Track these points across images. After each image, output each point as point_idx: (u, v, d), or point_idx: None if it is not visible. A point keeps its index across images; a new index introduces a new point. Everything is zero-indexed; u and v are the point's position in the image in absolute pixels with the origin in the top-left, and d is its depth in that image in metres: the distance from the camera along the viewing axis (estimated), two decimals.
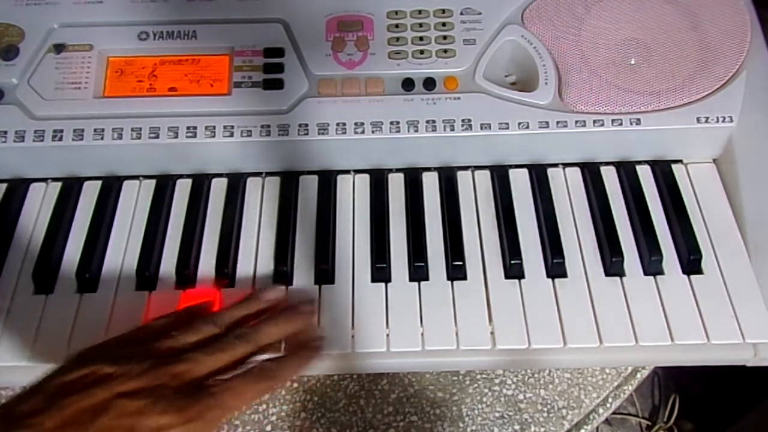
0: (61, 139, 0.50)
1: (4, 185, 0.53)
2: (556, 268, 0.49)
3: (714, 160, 0.54)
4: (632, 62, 0.53)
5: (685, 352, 0.46)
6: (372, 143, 0.51)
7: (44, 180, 0.54)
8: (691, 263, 0.49)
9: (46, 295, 0.48)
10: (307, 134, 0.51)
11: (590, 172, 0.54)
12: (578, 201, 0.52)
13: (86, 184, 0.53)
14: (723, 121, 0.51)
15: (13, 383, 0.48)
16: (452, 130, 0.51)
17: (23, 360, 0.45)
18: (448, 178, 0.53)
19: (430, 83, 0.52)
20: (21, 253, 0.50)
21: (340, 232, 0.51)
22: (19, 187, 0.53)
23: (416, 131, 0.51)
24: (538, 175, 0.53)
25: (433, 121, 0.51)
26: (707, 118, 0.51)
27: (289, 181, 0.53)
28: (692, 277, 0.48)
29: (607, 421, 1.12)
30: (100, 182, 0.53)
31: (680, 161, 0.54)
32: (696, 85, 0.52)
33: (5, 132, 0.50)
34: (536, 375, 0.51)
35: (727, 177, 0.53)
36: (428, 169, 0.54)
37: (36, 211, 0.52)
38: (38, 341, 0.46)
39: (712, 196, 0.52)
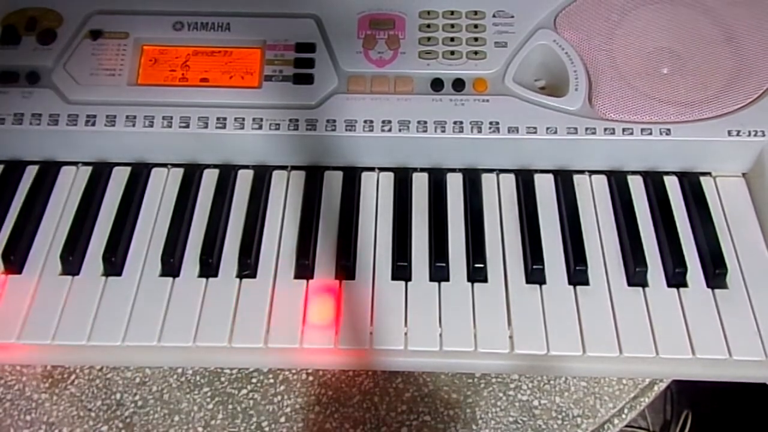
0: (93, 124, 0.51)
1: (36, 167, 0.54)
2: (578, 275, 0.48)
3: (743, 174, 0.54)
4: (664, 72, 0.52)
5: (705, 366, 0.46)
6: (398, 142, 0.52)
7: (75, 164, 0.55)
8: (716, 277, 0.48)
9: (72, 277, 0.49)
10: (334, 130, 0.51)
11: (617, 180, 0.53)
12: (603, 209, 0.52)
13: (116, 169, 0.54)
14: (755, 135, 0.51)
15: (35, 361, 0.49)
16: (479, 132, 0.51)
17: (47, 339, 0.46)
18: (472, 180, 0.53)
19: (459, 84, 0.52)
20: (50, 234, 0.51)
21: (362, 229, 0.51)
22: (50, 170, 0.54)
23: (443, 132, 0.51)
24: (564, 181, 0.53)
25: (461, 123, 0.51)
26: (738, 131, 0.51)
27: (314, 176, 0.54)
28: (716, 291, 0.48)
29: None
30: (129, 168, 0.54)
31: (709, 174, 0.54)
32: (728, 97, 0.52)
33: (39, 115, 0.52)
34: (552, 382, 0.51)
35: (757, 192, 0.52)
36: (453, 170, 0.54)
37: (66, 194, 0.53)
38: (62, 321, 0.47)
39: (741, 210, 0.52)
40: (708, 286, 0.48)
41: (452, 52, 0.53)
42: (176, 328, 0.46)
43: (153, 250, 0.50)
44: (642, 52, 0.53)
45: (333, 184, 0.53)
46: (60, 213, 0.52)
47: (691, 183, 0.53)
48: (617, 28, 0.54)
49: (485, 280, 0.48)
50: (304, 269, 0.49)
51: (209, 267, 0.49)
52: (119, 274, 0.49)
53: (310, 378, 0.50)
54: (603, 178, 0.54)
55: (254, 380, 0.50)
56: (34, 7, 0.55)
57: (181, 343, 0.46)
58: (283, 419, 0.49)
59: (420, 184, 0.54)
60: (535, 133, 0.51)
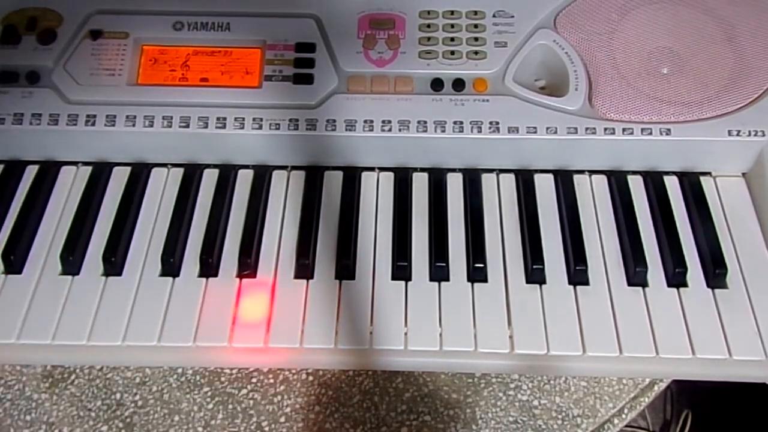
0: (93, 124, 0.51)
1: (36, 167, 0.54)
2: (578, 275, 0.48)
3: (743, 174, 0.54)
4: (664, 71, 0.52)
5: (705, 366, 0.46)
6: (398, 141, 0.52)
7: (75, 164, 0.55)
8: (716, 277, 0.48)
9: (72, 277, 0.49)
10: (334, 130, 0.51)
11: (617, 180, 0.53)
12: (603, 209, 0.52)
13: (116, 169, 0.54)
14: (755, 135, 0.51)
15: (35, 361, 0.49)
16: (479, 132, 0.51)
17: (47, 339, 0.46)
18: (472, 180, 0.53)
19: (459, 84, 0.52)
20: (50, 234, 0.51)
21: (362, 229, 0.51)
22: (50, 170, 0.54)
23: (443, 132, 0.51)
24: (564, 181, 0.53)
25: (461, 122, 0.51)
26: (738, 131, 0.51)
27: (314, 176, 0.54)
28: (716, 291, 0.48)
29: None
30: (129, 168, 0.54)
31: (709, 173, 0.54)
32: (728, 97, 0.52)
33: (39, 115, 0.52)
34: (552, 382, 0.51)
35: (757, 192, 0.52)
36: (453, 170, 0.54)
37: (66, 194, 0.53)
38: (62, 321, 0.47)
39: (740, 210, 0.52)
40: (708, 286, 0.48)
41: (452, 52, 0.53)
42: (176, 328, 0.46)
43: (153, 250, 0.50)
44: (642, 52, 0.53)
45: (333, 184, 0.53)
46: (60, 213, 0.52)
47: (691, 183, 0.53)
48: (617, 28, 0.54)
49: (485, 280, 0.48)
50: (304, 269, 0.49)
51: (209, 267, 0.49)
52: (119, 274, 0.49)
53: (310, 378, 0.50)
54: (603, 178, 0.54)
55: (254, 380, 0.50)
56: (34, 7, 0.55)
57: (181, 343, 0.46)
58: (283, 419, 0.49)
59: (420, 184, 0.54)
60: (535, 133, 0.51)
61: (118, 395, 0.49)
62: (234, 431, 0.48)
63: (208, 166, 0.54)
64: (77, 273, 0.49)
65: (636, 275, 0.48)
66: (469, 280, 0.48)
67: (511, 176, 0.54)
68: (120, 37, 0.54)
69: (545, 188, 0.53)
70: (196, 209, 0.52)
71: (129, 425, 0.48)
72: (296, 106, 0.52)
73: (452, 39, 0.53)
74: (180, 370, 0.50)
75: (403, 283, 0.48)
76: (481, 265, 0.49)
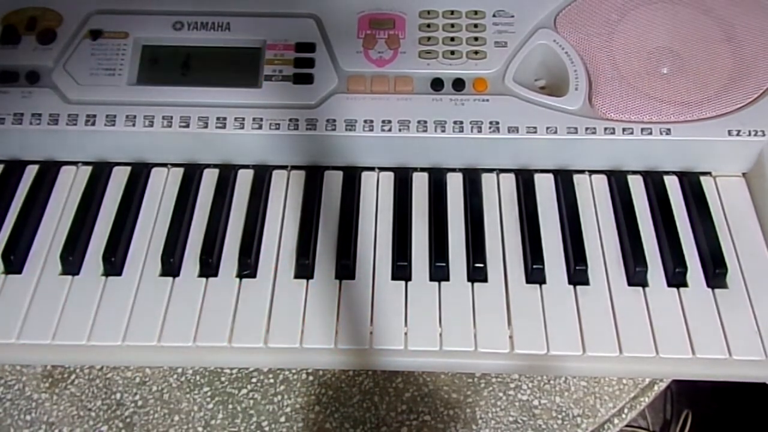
0: (93, 123, 0.51)
1: (36, 167, 0.54)
2: (578, 275, 0.48)
3: (743, 174, 0.54)
4: (664, 71, 0.52)
5: (705, 366, 0.46)
6: (398, 141, 0.52)
7: (75, 163, 0.55)
8: (716, 277, 0.48)
9: (72, 276, 0.49)
10: (334, 130, 0.51)
11: (617, 180, 0.53)
12: (603, 209, 0.52)
13: (116, 169, 0.54)
14: (755, 135, 0.51)
15: (35, 361, 0.49)
16: (479, 131, 0.51)
17: (47, 339, 0.46)
18: (472, 180, 0.53)
19: (459, 84, 0.52)
20: (50, 234, 0.51)
21: (362, 229, 0.51)
22: (50, 169, 0.54)
23: (443, 131, 0.51)
24: (564, 180, 0.53)
25: (461, 122, 0.51)
26: (739, 131, 0.51)
27: (314, 176, 0.54)
28: (716, 290, 0.48)
29: None
30: (129, 168, 0.54)
31: (709, 173, 0.54)
32: (728, 97, 0.52)
33: (39, 114, 0.52)
34: (552, 381, 0.51)
35: (757, 191, 0.52)
36: (453, 170, 0.54)
37: (66, 194, 0.53)
38: (62, 321, 0.47)
39: (741, 210, 0.52)
40: (708, 286, 0.48)
41: (452, 52, 0.53)
42: (176, 328, 0.46)
43: (153, 250, 0.50)
44: (642, 52, 0.53)
45: (333, 184, 0.53)
46: (60, 213, 0.52)
47: (691, 183, 0.53)
48: (617, 28, 0.54)
49: (485, 280, 0.48)
50: (304, 269, 0.49)
51: (209, 267, 0.49)
52: (119, 274, 0.49)
53: (310, 378, 0.50)
54: (603, 177, 0.54)
55: (254, 380, 0.50)
56: (34, 7, 0.55)
57: (181, 343, 0.46)
58: (283, 419, 0.49)
59: (420, 184, 0.54)
60: (535, 132, 0.51)
61: (118, 395, 0.49)
62: (234, 431, 0.48)
63: (208, 166, 0.54)
64: (77, 273, 0.49)
65: (636, 275, 0.48)
66: (469, 280, 0.48)
67: (511, 176, 0.54)
68: (120, 37, 0.54)
69: (545, 188, 0.53)
70: (196, 209, 0.52)
71: (129, 425, 0.48)
72: (296, 106, 0.52)
73: (452, 39, 0.53)
74: (180, 370, 0.51)
75: (403, 283, 0.48)
76: (481, 265, 0.49)
